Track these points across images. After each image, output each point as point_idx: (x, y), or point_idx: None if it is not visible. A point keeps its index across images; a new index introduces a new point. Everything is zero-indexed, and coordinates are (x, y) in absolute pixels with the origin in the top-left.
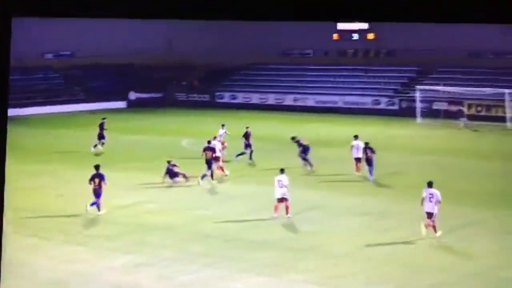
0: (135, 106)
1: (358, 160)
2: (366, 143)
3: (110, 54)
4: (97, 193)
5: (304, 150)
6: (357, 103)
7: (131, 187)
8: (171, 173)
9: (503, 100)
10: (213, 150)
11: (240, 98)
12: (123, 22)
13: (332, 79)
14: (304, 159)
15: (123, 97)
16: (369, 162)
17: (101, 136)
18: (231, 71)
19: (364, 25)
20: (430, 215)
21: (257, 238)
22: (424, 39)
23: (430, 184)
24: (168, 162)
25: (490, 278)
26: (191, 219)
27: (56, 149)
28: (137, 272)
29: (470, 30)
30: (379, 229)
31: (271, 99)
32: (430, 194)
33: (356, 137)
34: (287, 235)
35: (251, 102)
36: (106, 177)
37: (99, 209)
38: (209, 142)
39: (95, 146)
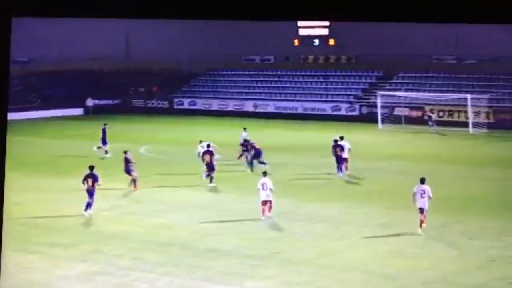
0: (93, 113)
1: (345, 160)
2: (336, 141)
3: (68, 60)
4: (90, 193)
5: (257, 153)
6: (317, 109)
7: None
8: (127, 168)
9: (465, 106)
10: (211, 153)
11: (200, 104)
12: (81, 27)
13: (292, 85)
14: (251, 163)
15: (81, 104)
16: (340, 159)
17: (104, 142)
18: (191, 77)
19: (325, 31)
20: (421, 210)
21: (215, 246)
22: (385, 44)
23: (422, 181)
24: (125, 152)
25: (449, 285)
26: (148, 227)
27: (10, 156)
28: (93, 281)
29: (431, 35)
30: (338, 236)
31: (231, 105)
32: (422, 190)
33: (342, 138)
34: (245, 242)
35: (211, 108)
36: (99, 177)
37: (90, 208)
38: (208, 145)
39: (99, 148)
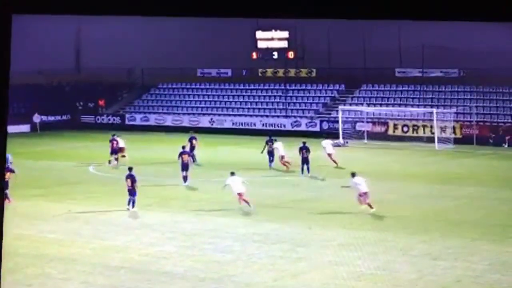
0: (40, 130)
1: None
2: (304, 142)
3: (12, 73)
4: (131, 192)
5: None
6: (277, 125)
7: (32, 216)
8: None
9: (431, 120)
10: (188, 153)
11: (153, 120)
12: (28, 37)
13: (251, 100)
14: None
15: (27, 121)
16: (306, 161)
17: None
18: (143, 90)
19: (284, 43)
20: (366, 193)
21: (168, 269)
22: (347, 57)
23: (353, 174)
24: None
25: None
26: (97, 249)
27: None
28: None
29: (395, 46)
30: (297, 257)
31: (186, 120)
32: (355, 183)
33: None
34: (198, 265)
35: (164, 124)
36: (136, 178)
37: (133, 206)
38: (183, 147)
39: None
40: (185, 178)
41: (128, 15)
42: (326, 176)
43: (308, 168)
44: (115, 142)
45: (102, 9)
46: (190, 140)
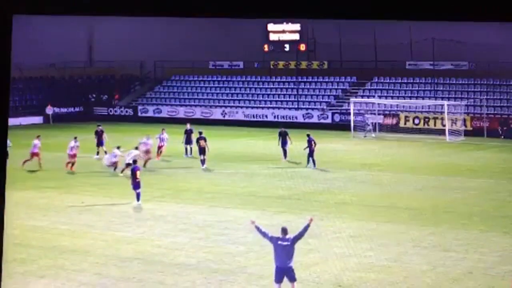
0: (53, 122)
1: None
2: (308, 135)
3: (27, 66)
4: (139, 185)
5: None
6: (288, 117)
7: (45, 207)
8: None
9: (442, 112)
10: (204, 139)
11: (165, 112)
12: (41, 32)
13: (263, 92)
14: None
15: (40, 112)
16: (312, 153)
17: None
18: (156, 83)
19: (296, 36)
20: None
21: (181, 260)
22: (359, 49)
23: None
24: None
25: None
26: (109, 241)
27: None
28: None
29: (406, 39)
30: (308, 249)
31: (198, 112)
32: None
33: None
34: (212, 256)
35: (177, 116)
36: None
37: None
38: (200, 133)
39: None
40: (202, 162)
41: (129, 15)
42: (337, 168)
43: (314, 161)
44: (100, 134)
45: (102, 9)
46: (188, 132)
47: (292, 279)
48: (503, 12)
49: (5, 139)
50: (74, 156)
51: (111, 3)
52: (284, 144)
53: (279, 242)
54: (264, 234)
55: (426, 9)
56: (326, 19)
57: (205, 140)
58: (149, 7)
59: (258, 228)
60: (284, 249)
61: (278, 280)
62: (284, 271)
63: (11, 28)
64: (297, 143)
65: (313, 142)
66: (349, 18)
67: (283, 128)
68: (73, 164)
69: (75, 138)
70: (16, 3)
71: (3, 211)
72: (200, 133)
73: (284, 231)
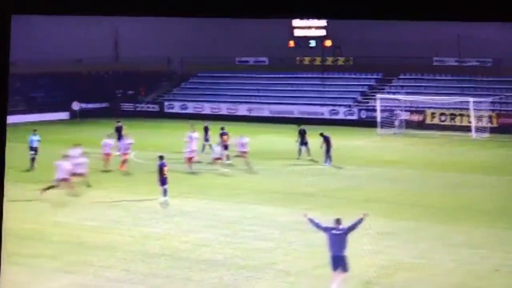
0: (79, 117)
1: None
2: (321, 134)
3: (54, 62)
4: (166, 180)
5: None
6: (314, 113)
7: (71, 203)
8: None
9: (467, 109)
10: (227, 134)
11: (191, 108)
12: (68, 28)
13: (288, 88)
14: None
15: (66, 108)
16: (329, 150)
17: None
18: (182, 79)
19: (322, 32)
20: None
21: (208, 256)
22: (385, 46)
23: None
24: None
25: None
26: (136, 237)
27: None
28: None
29: (432, 36)
30: None
31: (224, 109)
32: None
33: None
34: (239, 252)
35: (202, 112)
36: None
37: (165, 194)
38: (222, 128)
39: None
40: (227, 157)
41: (131, 16)
42: (364, 165)
43: (330, 158)
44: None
45: (102, 10)
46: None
47: (344, 269)
48: (503, 12)
49: (4, 136)
50: (109, 155)
51: (111, 3)
52: (304, 143)
53: (333, 231)
54: (317, 225)
55: (426, 9)
56: (344, 19)
57: (227, 135)
58: (149, 7)
59: (311, 220)
60: (337, 238)
61: (335, 268)
62: (337, 260)
63: (10, 28)
64: (315, 139)
65: (329, 139)
66: (348, 18)
67: (302, 127)
68: (124, 162)
69: (109, 135)
70: (16, 3)
71: (1, 206)
72: (222, 128)
73: (338, 221)
